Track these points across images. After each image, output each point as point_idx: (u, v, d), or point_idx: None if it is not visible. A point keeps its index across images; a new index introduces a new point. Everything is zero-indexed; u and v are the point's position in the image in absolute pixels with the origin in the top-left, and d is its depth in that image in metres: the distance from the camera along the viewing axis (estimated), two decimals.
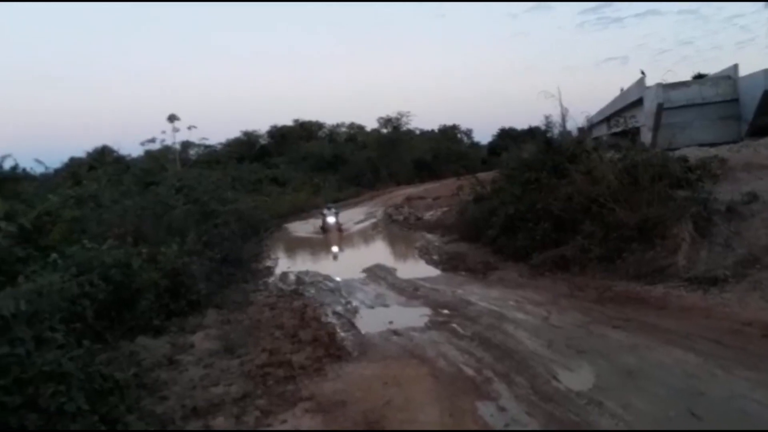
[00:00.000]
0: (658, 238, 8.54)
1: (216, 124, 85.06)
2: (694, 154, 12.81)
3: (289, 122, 46.83)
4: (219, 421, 4.75)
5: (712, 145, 17.16)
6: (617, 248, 8.78)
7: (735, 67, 23.16)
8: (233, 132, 52.91)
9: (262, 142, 45.53)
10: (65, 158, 33.37)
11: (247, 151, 42.47)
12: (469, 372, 5.49)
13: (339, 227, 20.08)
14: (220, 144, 44.45)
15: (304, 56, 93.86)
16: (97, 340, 5.72)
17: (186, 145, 36.56)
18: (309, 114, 59.69)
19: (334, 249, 16.97)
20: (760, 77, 21.04)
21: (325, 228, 19.91)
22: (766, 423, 3.89)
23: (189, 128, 31.28)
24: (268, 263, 13.82)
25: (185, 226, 10.58)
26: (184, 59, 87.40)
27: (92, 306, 5.96)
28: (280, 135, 44.97)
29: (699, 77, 29.58)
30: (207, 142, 39.46)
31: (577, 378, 5.08)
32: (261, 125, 52.11)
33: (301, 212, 26.11)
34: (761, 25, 40.10)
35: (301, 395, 5.22)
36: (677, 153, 11.98)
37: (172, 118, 29.82)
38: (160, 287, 7.81)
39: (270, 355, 6.48)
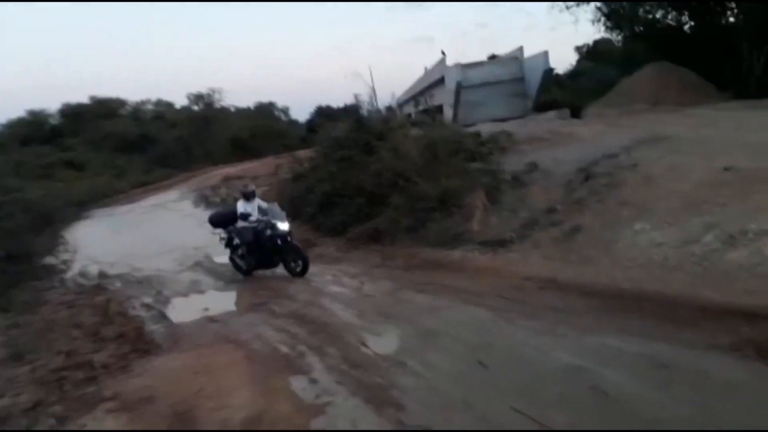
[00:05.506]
0: (455, 207, 9.32)
1: None
2: (487, 129, 14.21)
3: (84, 99, 41.67)
4: None
5: (503, 120, 19.16)
6: (422, 218, 9.43)
7: (521, 48, 25.98)
8: (16, 111, 46.05)
9: (53, 122, 40.07)
10: None
11: (34, 132, 37.17)
12: (284, 350, 5.52)
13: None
14: (0, 125, 38.43)
15: (96, 27, 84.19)
16: None
17: None
18: (107, 90, 54.02)
19: None
20: (540, 58, 23.94)
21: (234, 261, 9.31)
22: (543, 366, 4.33)
23: None
24: (65, 257, 12.40)
25: None
26: None
27: None
28: (74, 114, 39.89)
29: (492, 58, 32.76)
30: None
31: (383, 343, 5.36)
32: (50, 103, 46.09)
33: (103, 198, 23.84)
34: (541, 10, 46.77)
35: (102, 396, 4.84)
36: (473, 128, 13.18)
37: None
38: None
39: (66, 357, 5.93)
